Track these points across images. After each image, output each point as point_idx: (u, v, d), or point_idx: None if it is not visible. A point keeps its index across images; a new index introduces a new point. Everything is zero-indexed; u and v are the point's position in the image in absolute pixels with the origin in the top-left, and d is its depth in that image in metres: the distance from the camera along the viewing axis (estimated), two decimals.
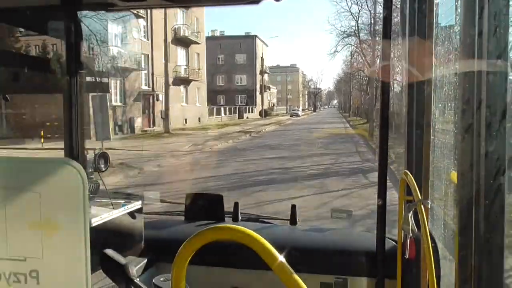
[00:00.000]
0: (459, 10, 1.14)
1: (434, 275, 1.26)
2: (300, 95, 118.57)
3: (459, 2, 1.03)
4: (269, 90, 78.66)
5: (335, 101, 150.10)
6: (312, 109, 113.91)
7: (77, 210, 0.85)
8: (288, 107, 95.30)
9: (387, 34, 1.90)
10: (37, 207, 0.85)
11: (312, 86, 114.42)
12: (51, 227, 0.84)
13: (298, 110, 77.30)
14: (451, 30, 1.65)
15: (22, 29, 2.21)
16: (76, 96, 2.18)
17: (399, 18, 1.97)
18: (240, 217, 2.50)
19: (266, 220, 2.55)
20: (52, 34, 2.25)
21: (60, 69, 2.16)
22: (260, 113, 62.90)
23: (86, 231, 0.85)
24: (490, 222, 0.91)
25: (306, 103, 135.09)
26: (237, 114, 55.41)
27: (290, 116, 68.68)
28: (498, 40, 0.85)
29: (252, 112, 61.98)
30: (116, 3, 2.10)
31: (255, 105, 64.55)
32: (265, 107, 70.65)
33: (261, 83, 68.42)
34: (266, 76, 74.95)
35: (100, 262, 1.96)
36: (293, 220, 2.44)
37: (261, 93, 68.16)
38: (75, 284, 0.86)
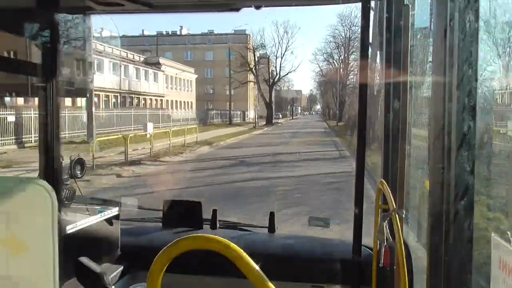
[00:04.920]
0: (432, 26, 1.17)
1: (407, 283, 1.28)
2: (252, 89, 60.29)
3: (432, 16, 1.07)
4: None
5: (318, 106, 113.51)
6: (271, 117, 53.97)
7: (46, 230, 0.84)
8: (239, 112, 54.00)
9: (364, 46, 1.94)
10: (4, 226, 0.83)
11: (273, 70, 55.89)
12: (18, 246, 0.83)
13: None
14: (426, 43, 1.69)
15: None
16: (52, 100, 2.14)
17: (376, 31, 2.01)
18: (218, 225, 2.48)
19: (244, 228, 2.55)
20: (29, 36, 2.21)
21: (36, 72, 2.12)
22: None
23: (55, 251, 0.84)
24: (460, 230, 0.93)
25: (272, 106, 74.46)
26: None
27: None
28: (462, 53, 0.89)
29: None
30: (93, 7, 2.08)
31: None
32: None
33: None
34: None
35: (74, 270, 1.93)
36: (271, 228, 2.45)
37: None
38: None
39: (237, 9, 2.24)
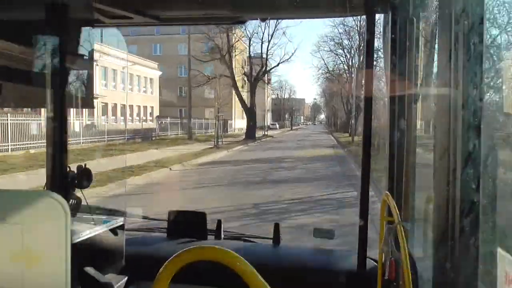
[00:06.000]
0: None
1: None
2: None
3: (437, 37, 1.09)
4: None
5: (322, 116, 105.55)
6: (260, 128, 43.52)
7: (59, 242, 0.85)
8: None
9: (369, 59, 1.95)
10: (19, 238, 0.85)
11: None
12: (32, 259, 0.84)
13: None
14: (431, 58, 1.70)
15: (6, 43, 2.21)
16: (59, 110, 2.17)
17: (381, 40, 2.03)
18: (222, 235, 2.48)
19: (249, 239, 2.54)
20: (37, 48, 2.24)
21: (44, 84, 2.15)
22: None
23: (67, 262, 0.85)
24: (466, 247, 0.93)
25: (268, 115, 64.07)
26: None
27: None
28: (467, 74, 0.91)
29: None
30: (102, 20, 2.12)
31: None
32: None
33: None
34: None
35: (79, 280, 1.94)
36: (276, 239, 2.44)
37: None
38: None
39: (243, 22, 2.28)
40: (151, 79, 40.19)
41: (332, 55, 41.86)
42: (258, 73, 37.48)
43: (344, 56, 40.75)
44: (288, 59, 42.44)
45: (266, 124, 49.24)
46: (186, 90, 39.53)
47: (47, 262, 0.86)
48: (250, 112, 35.62)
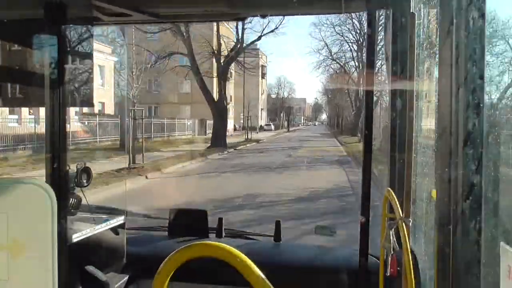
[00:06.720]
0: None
1: None
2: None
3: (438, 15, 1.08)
4: None
5: (324, 116, 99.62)
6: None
7: (45, 231, 0.84)
8: None
9: (371, 54, 1.95)
10: (4, 228, 0.83)
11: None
12: (18, 248, 0.83)
13: None
14: (432, 52, 1.69)
15: (5, 42, 2.22)
16: (58, 110, 2.16)
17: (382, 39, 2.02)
18: (224, 233, 2.48)
19: (249, 236, 2.54)
20: (37, 47, 2.24)
21: (43, 83, 2.14)
22: None
23: (54, 252, 0.84)
24: (468, 239, 0.92)
25: (263, 114, 57.80)
26: None
27: None
28: (466, 50, 0.90)
29: None
30: (101, 18, 2.11)
31: None
32: None
33: None
34: None
35: (80, 279, 1.94)
36: (277, 237, 2.44)
37: None
38: None
39: (243, 19, 2.28)
40: (100, 66, 27.97)
41: (336, 35, 33.22)
42: (232, 50, 26.01)
43: (353, 32, 31.54)
44: (274, 30, 26.69)
45: (247, 124, 36.11)
46: (159, 83, 30.05)
47: (33, 251, 0.84)
48: (219, 109, 24.38)
